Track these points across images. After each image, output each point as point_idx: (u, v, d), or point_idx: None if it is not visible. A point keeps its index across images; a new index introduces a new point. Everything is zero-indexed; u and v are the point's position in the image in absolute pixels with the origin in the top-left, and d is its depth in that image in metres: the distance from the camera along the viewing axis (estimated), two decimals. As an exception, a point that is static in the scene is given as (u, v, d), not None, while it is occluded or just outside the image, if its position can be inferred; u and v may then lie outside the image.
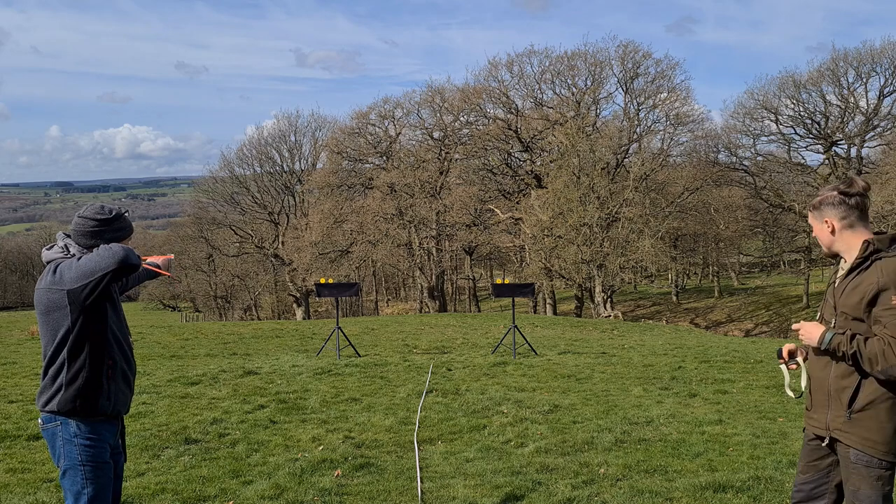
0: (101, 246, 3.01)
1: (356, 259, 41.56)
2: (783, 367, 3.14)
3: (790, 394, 3.14)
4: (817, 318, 3.06)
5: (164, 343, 16.05)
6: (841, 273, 2.92)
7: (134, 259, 2.99)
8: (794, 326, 2.99)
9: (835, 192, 2.87)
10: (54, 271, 3.01)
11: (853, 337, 2.76)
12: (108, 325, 3.10)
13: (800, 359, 3.10)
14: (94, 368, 3.05)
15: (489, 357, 12.09)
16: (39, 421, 3.17)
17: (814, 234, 3.00)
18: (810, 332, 2.91)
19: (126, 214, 3.26)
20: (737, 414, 7.17)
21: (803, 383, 3.06)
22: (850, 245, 2.86)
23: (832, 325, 2.89)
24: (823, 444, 2.93)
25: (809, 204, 3.00)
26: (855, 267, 2.82)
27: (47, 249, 3.15)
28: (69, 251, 3.09)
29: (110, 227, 3.15)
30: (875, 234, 2.84)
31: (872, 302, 2.71)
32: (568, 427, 6.59)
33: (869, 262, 2.77)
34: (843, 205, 2.85)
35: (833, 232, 2.88)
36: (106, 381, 3.09)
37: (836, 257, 2.95)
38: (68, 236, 3.18)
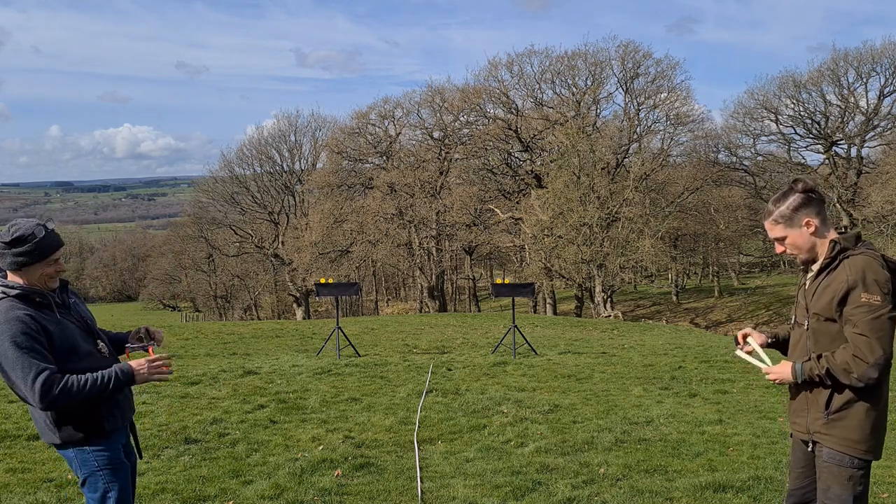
0: (20, 373, 2.74)
1: (356, 259, 41.57)
2: (740, 353, 3.13)
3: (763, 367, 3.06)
4: (791, 321, 3.05)
5: (163, 343, 16.03)
6: (811, 274, 2.91)
7: (53, 397, 2.73)
8: (770, 377, 2.95)
9: (800, 195, 2.85)
10: None
11: (820, 357, 2.78)
12: (61, 364, 2.86)
13: (752, 341, 3.09)
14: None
15: (489, 357, 12.09)
16: None
17: (783, 249, 2.93)
18: (782, 372, 2.90)
19: (34, 234, 2.85)
20: (737, 414, 7.17)
21: (767, 361, 3.03)
22: (825, 244, 2.86)
23: (805, 327, 2.89)
24: (809, 449, 2.94)
25: (775, 216, 2.89)
26: (824, 267, 2.82)
27: None
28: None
29: (10, 251, 2.85)
30: (839, 233, 2.85)
31: (843, 301, 2.71)
32: (568, 427, 6.59)
33: (837, 261, 2.78)
34: (813, 202, 2.85)
35: (815, 231, 2.86)
36: (102, 404, 2.96)
37: (814, 262, 2.90)
38: None
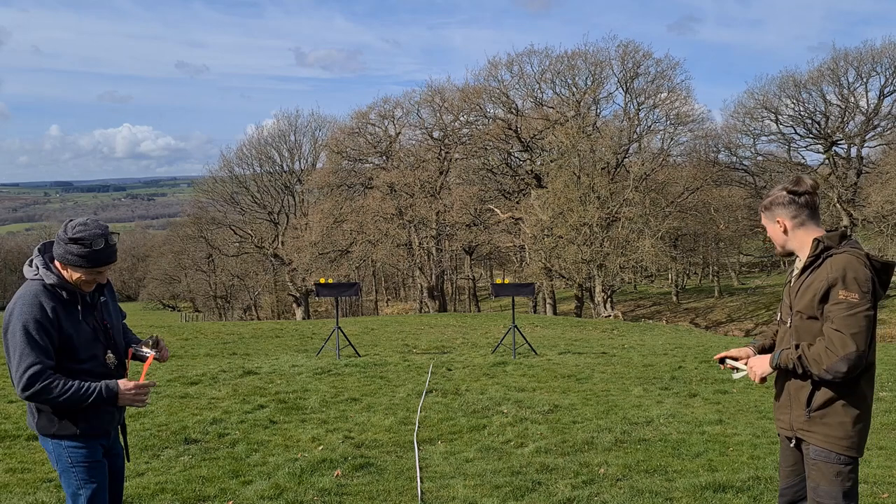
0: (13, 351, 2.83)
1: (356, 259, 41.55)
2: (735, 375, 3.16)
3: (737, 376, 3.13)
4: (777, 318, 3.08)
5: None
6: (795, 273, 2.94)
7: (36, 390, 2.79)
8: (751, 375, 3.00)
9: (784, 192, 2.88)
10: (10, 313, 2.88)
11: (797, 346, 2.81)
12: (61, 361, 2.92)
13: (729, 361, 3.15)
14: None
15: (489, 357, 12.08)
16: None
17: (768, 235, 3.02)
18: (761, 364, 2.96)
19: (92, 245, 2.92)
20: (737, 414, 7.16)
21: (739, 374, 3.09)
22: (803, 243, 2.88)
23: (789, 325, 2.91)
24: (791, 445, 2.96)
25: (760, 205, 3.01)
26: (808, 266, 2.84)
27: (28, 265, 3.04)
28: (38, 272, 2.98)
29: (66, 246, 2.93)
30: (826, 231, 2.86)
31: (824, 298, 2.74)
32: (568, 427, 6.59)
33: (821, 259, 2.80)
34: (793, 204, 2.87)
35: (785, 231, 2.90)
36: (84, 407, 2.96)
37: (791, 255, 2.97)
38: (41, 252, 3.03)
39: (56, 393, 2.83)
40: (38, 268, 2.98)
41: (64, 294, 2.96)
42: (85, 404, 2.90)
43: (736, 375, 3.11)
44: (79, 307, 3.01)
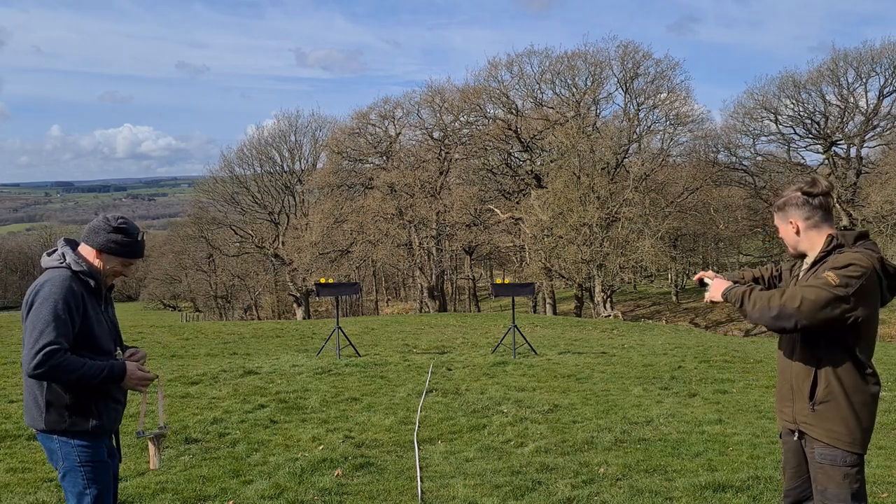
0: (32, 325, 2.83)
1: (356, 259, 41.56)
2: (707, 294, 3.15)
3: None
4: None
5: (164, 343, 16.05)
6: (805, 267, 2.92)
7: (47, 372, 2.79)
8: (711, 292, 3.01)
9: (798, 193, 2.86)
10: (37, 292, 2.90)
11: (749, 284, 2.84)
12: (81, 350, 2.92)
13: (706, 280, 3.17)
14: (78, 388, 2.93)
15: (489, 357, 12.09)
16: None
17: (779, 235, 3.00)
18: (718, 287, 2.98)
19: (136, 236, 3.07)
20: (736, 414, 7.18)
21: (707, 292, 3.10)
22: (815, 244, 2.86)
23: None
24: (795, 438, 2.93)
25: (774, 205, 2.99)
26: (818, 260, 2.82)
27: (47, 255, 3.07)
28: (65, 259, 3.00)
29: (109, 234, 3.01)
30: (841, 231, 2.84)
31: None
32: (568, 427, 6.60)
33: (832, 255, 2.78)
34: (806, 205, 2.84)
35: (798, 232, 2.88)
36: (95, 402, 2.98)
37: (802, 257, 2.96)
38: (68, 243, 3.06)
39: (70, 369, 2.83)
40: (64, 256, 3.01)
41: (91, 283, 3.00)
42: (97, 381, 2.91)
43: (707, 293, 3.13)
44: (102, 298, 3.07)
